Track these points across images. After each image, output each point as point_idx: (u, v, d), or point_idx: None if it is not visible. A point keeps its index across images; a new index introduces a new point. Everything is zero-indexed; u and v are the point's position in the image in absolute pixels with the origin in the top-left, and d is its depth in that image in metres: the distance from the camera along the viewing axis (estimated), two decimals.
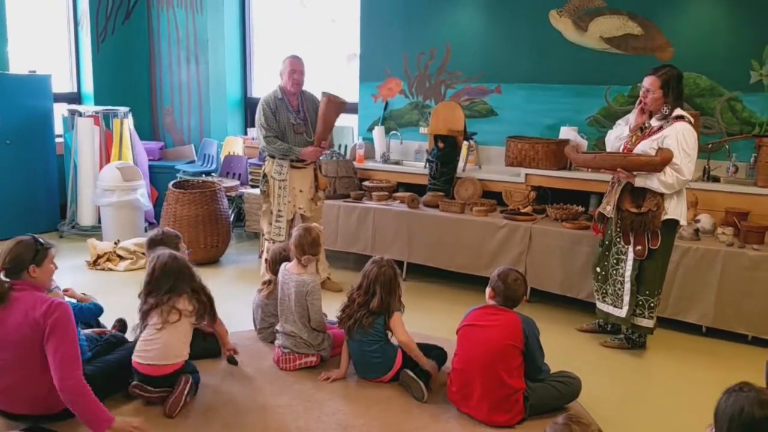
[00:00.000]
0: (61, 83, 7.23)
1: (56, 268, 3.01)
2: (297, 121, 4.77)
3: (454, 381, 3.24)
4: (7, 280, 2.80)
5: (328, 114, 4.68)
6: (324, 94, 4.66)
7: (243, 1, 7.42)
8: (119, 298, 4.52)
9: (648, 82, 3.80)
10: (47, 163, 6.57)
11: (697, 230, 4.38)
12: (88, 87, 7.39)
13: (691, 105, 4.96)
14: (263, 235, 5.05)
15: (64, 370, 2.66)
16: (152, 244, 3.75)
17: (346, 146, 6.41)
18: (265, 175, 4.88)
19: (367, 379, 3.51)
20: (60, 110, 6.69)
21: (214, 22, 7.28)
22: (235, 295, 4.89)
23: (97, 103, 7.24)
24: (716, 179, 4.80)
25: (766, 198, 4.49)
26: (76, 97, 7.42)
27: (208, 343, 3.76)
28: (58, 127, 6.71)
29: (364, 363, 3.50)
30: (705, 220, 4.52)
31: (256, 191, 5.77)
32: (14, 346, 2.73)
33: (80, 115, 6.42)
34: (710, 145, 4.81)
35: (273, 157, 4.80)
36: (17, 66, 6.55)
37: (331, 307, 3.71)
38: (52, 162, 6.61)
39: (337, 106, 4.67)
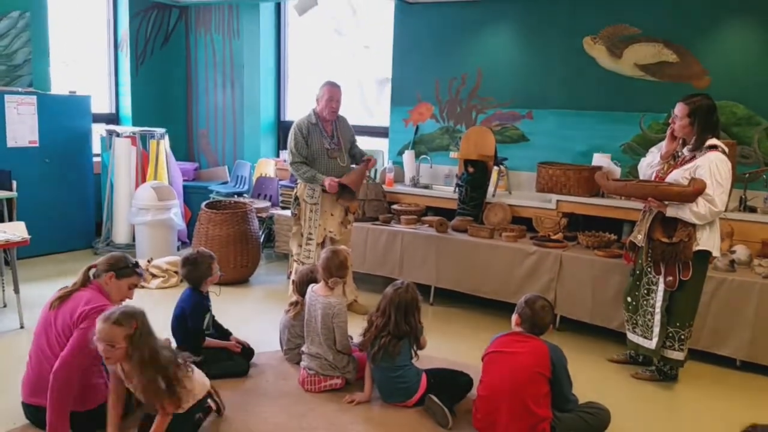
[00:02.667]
0: (100, 104, 7.41)
1: (131, 296, 3.18)
2: (331, 146, 4.80)
3: (480, 408, 3.20)
4: (90, 275, 3.09)
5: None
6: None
7: (279, 27, 7.56)
8: (151, 315, 4.57)
9: (677, 108, 3.78)
10: (84, 182, 6.72)
11: (732, 261, 4.29)
12: (127, 108, 7.56)
13: (728, 134, 4.89)
14: (292, 256, 5.08)
15: (62, 361, 2.83)
16: (186, 262, 3.81)
17: (375, 170, 6.44)
18: (296, 198, 4.92)
19: (391, 403, 3.48)
20: (98, 130, 6.86)
21: (250, 47, 7.42)
22: (262, 316, 4.92)
23: (134, 124, 7.41)
24: (753, 209, 4.70)
25: None
26: (114, 118, 7.60)
27: (235, 362, 3.79)
28: (96, 147, 6.88)
29: (388, 387, 3.48)
30: (741, 251, 4.42)
31: (287, 213, 5.81)
32: (58, 334, 2.92)
33: (118, 135, 6.57)
34: (747, 175, 4.72)
35: None
36: (58, 86, 6.74)
37: (358, 330, 3.70)
38: (89, 180, 6.77)
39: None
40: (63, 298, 2.99)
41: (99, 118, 7.16)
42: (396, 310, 3.39)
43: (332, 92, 4.71)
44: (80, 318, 2.88)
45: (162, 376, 2.70)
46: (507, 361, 3.10)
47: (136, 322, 2.70)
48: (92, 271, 3.11)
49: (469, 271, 5.07)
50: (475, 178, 5.40)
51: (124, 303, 3.09)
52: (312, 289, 3.75)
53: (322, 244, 4.82)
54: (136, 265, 3.21)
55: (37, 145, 6.25)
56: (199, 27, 7.76)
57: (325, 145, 4.77)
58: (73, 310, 2.93)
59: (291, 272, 5.06)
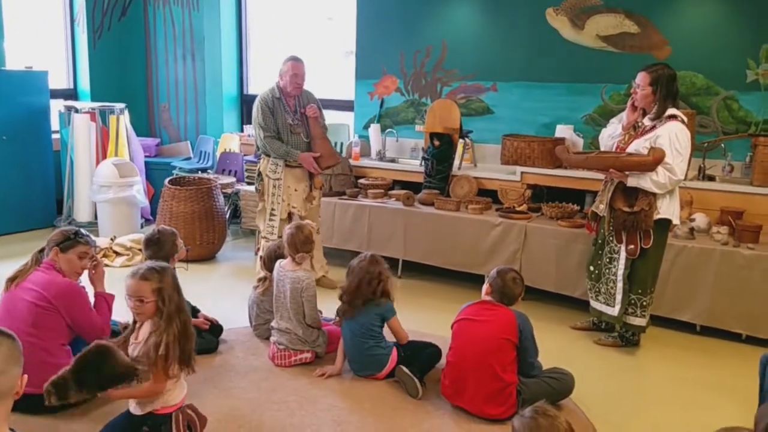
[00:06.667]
0: (58, 79, 7.23)
1: (86, 266, 3.22)
2: (294, 122, 4.78)
3: (448, 374, 3.26)
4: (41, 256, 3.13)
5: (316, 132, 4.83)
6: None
7: None
8: (115, 293, 4.53)
9: (639, 77, 3.82)
10: (44, 159, 6.57)
11: (692, 229, 4.39)
12: (85, 83, 7.39)
13: (687, 104, 4.97)
14: (260, 232, 5.06)
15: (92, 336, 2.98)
16: (149, 243, 3.74)
17: (342, 144, 6.41)
18: (260, 173, 4.88)
19: (363, 376, 3.52)
20: (56, 106, 6.69)
21: (210, 19, 7.27)
22: (230, 292, 4.90)
23: (93, 99, 7.25)
24: (712, 178, 4.80)
25: (761, 197, 4.50)
26: (72, 94, 7.42)
27: (204, 339, 3.78)
28: (55, 124, 6.71)
29: (359, 360, 3.51)
30: (700, 219, 4.53)
31: (252, 188, 5.76)
32: (24, 320, 2.95)
33: (77, 111, 6.42)
34: (706, 144, 4.82)
35: (268, 155, 4.80)
36: (14, 62, 6.55)
37: (327, 304, 3.72)
38: (48, 158, 6.62)
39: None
40: (19, 277, 3.06)
41: (57, 94, 6.99)
42: (354, 275, 3.52)
43: (296, 67, 4.68)
44: (54, 302, 2.98)
45: (181, 337, 2.58)
46: (475, 329, 3.16)
47: (162, 277, 2.61)
48: (44, 253, 3.15)
49: (436, 244, 5.11)
50: (440, 151, 5.41)
51: (80, 274, 3.20)
52: (280, 264, 3.75)
53: (289, 220, 4.80)
54: (78, 234, 3.19)
55: None
56: None
57: (288, 120, 4.75)
58: (40, 290, 2.99)
59: (259, 248, 5.05)
